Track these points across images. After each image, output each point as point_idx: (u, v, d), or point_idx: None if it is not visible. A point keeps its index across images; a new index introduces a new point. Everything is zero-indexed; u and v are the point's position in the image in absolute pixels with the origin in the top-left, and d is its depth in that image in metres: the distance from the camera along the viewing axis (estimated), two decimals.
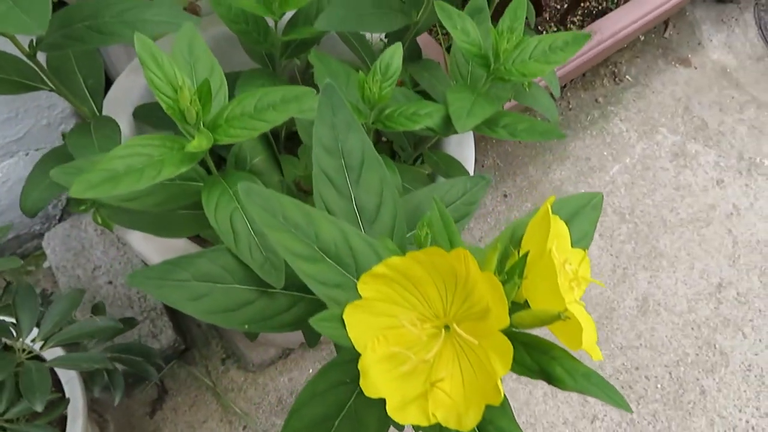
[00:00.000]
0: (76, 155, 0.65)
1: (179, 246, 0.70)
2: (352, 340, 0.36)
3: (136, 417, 1.01)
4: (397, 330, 0.36)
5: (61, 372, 0.79)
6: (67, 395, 0.77)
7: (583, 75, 1.47)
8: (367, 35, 0.84)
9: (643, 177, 1.34)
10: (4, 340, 0.73)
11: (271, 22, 0.71)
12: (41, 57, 0.65)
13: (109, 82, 0.76)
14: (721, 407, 1.10)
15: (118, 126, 0.69)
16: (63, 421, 0.76)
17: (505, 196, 1.30)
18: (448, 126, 0.66)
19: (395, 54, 0.61)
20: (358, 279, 0.36)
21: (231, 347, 1.07)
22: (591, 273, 0.42)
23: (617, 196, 1.31)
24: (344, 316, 0.36)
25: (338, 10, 0.69)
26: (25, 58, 0.64)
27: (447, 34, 1.14)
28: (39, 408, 0.65)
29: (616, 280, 1.21)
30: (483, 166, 1.33)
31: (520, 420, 1.06)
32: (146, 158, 0.47)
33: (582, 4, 1.36)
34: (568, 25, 1.34)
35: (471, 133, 0.83)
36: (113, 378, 0.80)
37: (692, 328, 1.17)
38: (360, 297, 0.36)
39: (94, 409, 0.99)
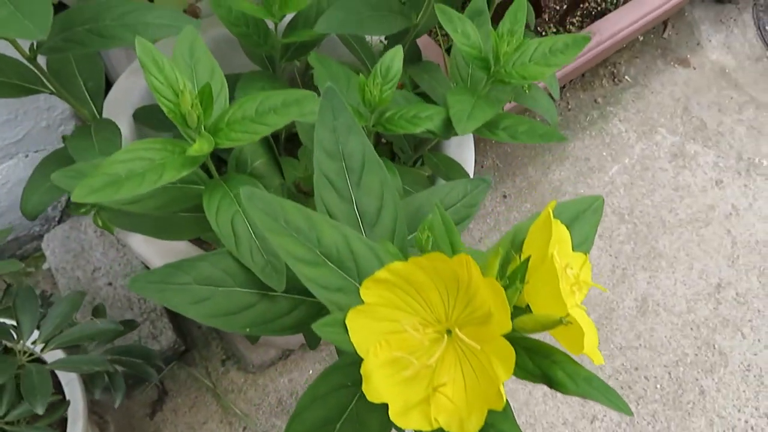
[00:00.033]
0: (76, 158, 0.65)
1: (180, 249, 0.70)
2: (355, 345, 0.36)
3: (137, 418, 1.01)
4: (399, 335, 0.36)
5: (61, 374, 0.79)
6: (67, 397, 0.77)
7: (583, 75, 1.47)
8: (367, 37, 0.84)
9: (642, 177, 1.34)
10: (4, 342, 0.73)
11: (271, 25, 0.71)
12: (41, 60, 0.65)
13: (109, 85, 0.76)
14: (720, 407, 1.10)
15: (119, 128, 0.69)
16: (63, 423, 0.77)
17: (505, 196, 1.30)
18: (448, 129, 0.66)
19: (396, 57, 0.61)
20: (359, 283, 0.36)
21: (231, 348, 1.07)
22: (591, 275, 0.42)
23: (616, 196, 1.31)
24: (347, 321, 0.36)
25: (338, 13, 0.69)
26: (25, 62, 0.64)
27: (447, 35, 1.14)
28: (40, 410, 0.65)
29: (616, 280, 1.21)
30: (482, 167, 1.33)
31: (520, 420, 1.06)
32: (148, 162, 0.47)
33: (581, 5, 1.36)
34: (568, 26, 1.34)
35: (471, 135, 0.83)
36: (113, 380, 0.80)
37: (691, 329, 1.17)
38: (362, 302, 0.36)
39: (95, 410, 0.99)
